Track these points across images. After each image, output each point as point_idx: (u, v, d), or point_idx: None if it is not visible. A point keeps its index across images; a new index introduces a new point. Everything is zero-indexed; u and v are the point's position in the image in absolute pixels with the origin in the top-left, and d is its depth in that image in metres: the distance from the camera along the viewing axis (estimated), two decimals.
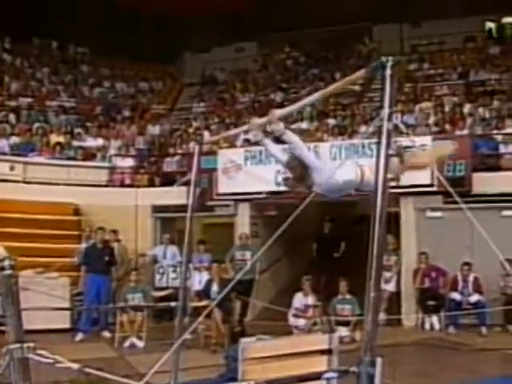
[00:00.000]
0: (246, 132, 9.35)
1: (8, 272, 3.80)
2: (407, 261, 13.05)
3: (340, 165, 5.17)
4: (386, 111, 3.98)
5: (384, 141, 3.98)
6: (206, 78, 23.91)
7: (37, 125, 17.75)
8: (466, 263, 12.04)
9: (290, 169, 5.09)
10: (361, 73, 4.35)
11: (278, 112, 5.20)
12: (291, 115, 15.39)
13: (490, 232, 11.01)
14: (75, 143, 17.08)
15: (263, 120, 5.40)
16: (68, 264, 12.96)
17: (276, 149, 5.39)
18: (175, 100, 23.17)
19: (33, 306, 8.27)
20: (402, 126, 4.09)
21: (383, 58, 4.08)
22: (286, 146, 5.26)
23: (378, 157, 4.02)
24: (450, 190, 5.01)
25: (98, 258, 12.57)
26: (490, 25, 22.92)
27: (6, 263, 3.71)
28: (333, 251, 14.34)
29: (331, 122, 16.70)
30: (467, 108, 16.08)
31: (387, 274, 12.82)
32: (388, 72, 4.04)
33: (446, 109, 16.21)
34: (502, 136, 13.83)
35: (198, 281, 12.99)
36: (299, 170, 4.97)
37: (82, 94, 21.21)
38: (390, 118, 3.98)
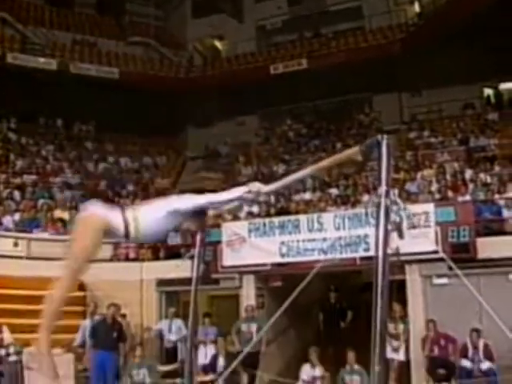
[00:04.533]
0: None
1: (13, 358, 3.83)
2: (415, 329, 12.86)
3: None
4: (383, 188, 4.06)
5: (382, 217, 4.06)
6: (209, 151, 24.25)
7: (41, 201, 17.90)
8: (475, 329, 11.85)
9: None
10: (354, 150, 4.43)
11: (266, 188, 5.11)
12: (293, 186, 15.60)
13: (498, 296, 10.96)
14: None
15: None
16: (72, 341, 12.87)
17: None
18: (179, 174, 23.45)
19: None
20: (400, 202, 4.15)
21: (378, 136, 4.19)
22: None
23: (376, 232, 4.08)
24: (446, 257, 5.06)
25: (106, 334, 12.36)
26: (488, 91, 23.37)
27: (12, 350, 3.74)
28: (339, 321, 14.20)
29: (334, 191, 16.86)
30: (468, 174, 16.22)
31: (395, 343, 12.62)
32: (384, 150, 4.14)
33: (448, 175, 16.35)
34: (505, 200, 13.89)
35: (203, 355, 12.84)
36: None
37: (86, 170, 21.51)
38: (387, 195, 4.07)
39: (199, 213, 4.63)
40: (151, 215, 4.40)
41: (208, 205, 4.65)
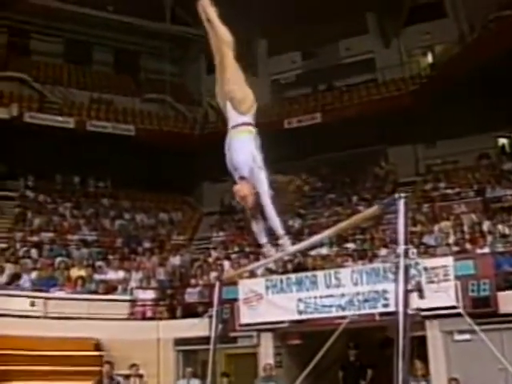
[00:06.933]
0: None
1: None
2: None
3: None
4: (401, 247, 4.02)
5: (401, 277, 4.00)
6: (225, 207, 24.24)
7: (59, 259, 17.89)
8: None
9: None
10: (374, 210, 4.43)
11: (292, 248, 5.32)
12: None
13: None
14: (97, 276, 17.15)
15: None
16: None
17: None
18: (194, 230, 23.44)
19: None
20: (419, 261, 4.10)
21: (396, 195, 4.17)
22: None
23: (396, 294, 4.02)
24: (464, 314, 4.94)
25: None
26: (503, 141, 23.33)
27: None
28: (360, 379, 13.84)
29: (350, 246, 16.72)
30: (486, 225, 16.02)
31: None
32: (401, 208, 4.11)
33: (465, 227, 16.17)
34: None
35: None
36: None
37: (103, 226, 21.57)
38: (406, 254, 4.01)
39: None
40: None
41: (262, 191, 5.21)
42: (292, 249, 5.34)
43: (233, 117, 5.34)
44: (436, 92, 20.54)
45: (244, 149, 5.28)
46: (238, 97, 5.28)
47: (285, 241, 5.18)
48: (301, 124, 23.54)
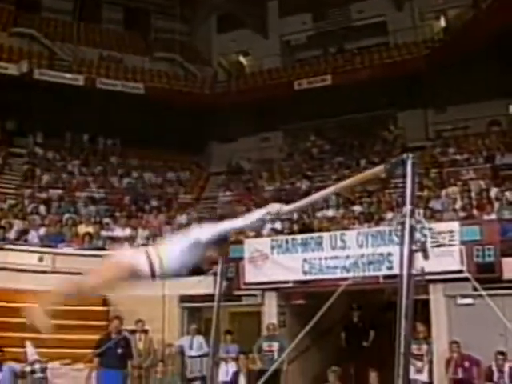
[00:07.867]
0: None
1: (39, 375, 3.84)
2: (439, 350, 12.66)
3: None
4: (408, 207, 4.02)
5: (407, 237, 4.01)
6: (232, 167, 24.29)
7: (67, 216, 18.06)
8: (501, 352, 11.63)
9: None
10: (379, 169, 4.40)
11: (285, 208, 5.13)
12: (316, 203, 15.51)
13: None
14: (104, 233, 17.29)
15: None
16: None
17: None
18: (202, 189, 23.53)
19: None
20: (424, 222, 4.10)
21: (404, 155, 4.16)
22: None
23: (401, 253, 4.03)
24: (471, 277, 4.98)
25: (111, 351, 11.62)
26: None
27: (37, 366, 3.74)
28: (362, 340, 14.02)
29: (357, 209, 16.76)
30: (494, 192, 16.01)
31: (419, 364, 12.42)
32: (409, 169, 4.10)
33: (473, 193, 16.17)
34: None
35: (224, 372, 12.79)
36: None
37: (111, 184, 21.69)
38: (412, 215, 4.02)
39: (221, 240, 4.54)
40: (175, 249, 4.29)
41: (229, 232, 4.59)
42: (286, 208, 5.13)
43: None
44: (448, 57, 20.34)
45: (182, 256, 4.28)
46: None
47: (273, 207, 4.88)
48: (311, 86, 23.42)
